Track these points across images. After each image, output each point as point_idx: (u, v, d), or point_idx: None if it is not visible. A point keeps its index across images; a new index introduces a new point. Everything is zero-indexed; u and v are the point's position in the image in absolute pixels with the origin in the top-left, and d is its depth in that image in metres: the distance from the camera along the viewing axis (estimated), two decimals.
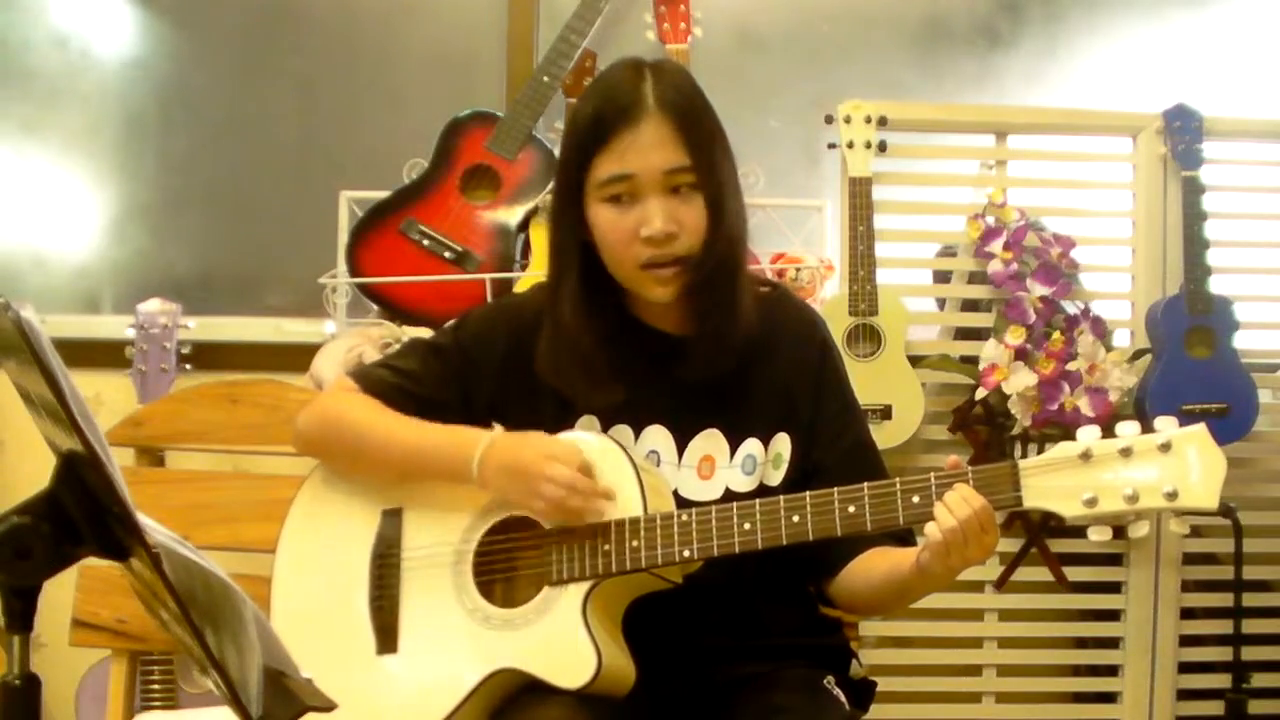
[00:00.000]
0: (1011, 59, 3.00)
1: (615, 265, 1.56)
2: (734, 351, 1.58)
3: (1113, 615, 2.71)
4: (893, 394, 2.55)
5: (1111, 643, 2.72)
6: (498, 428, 1.58)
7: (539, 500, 1.48)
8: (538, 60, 2.72)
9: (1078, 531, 1.40)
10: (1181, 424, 1.37)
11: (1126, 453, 1.36)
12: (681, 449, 1.61)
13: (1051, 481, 1.38)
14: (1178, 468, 1.34)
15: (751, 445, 1.60)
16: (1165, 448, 1.35)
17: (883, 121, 2.62)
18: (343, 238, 2.66)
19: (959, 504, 1.38)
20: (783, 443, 1.61)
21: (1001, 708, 2.70)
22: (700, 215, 1.53)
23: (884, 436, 2.47)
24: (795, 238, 2.69)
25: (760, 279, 1.72)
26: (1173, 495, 1.34)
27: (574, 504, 1.47)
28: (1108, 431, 1.39)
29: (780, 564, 1.54)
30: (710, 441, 1.61)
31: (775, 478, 1.60)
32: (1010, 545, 2.67)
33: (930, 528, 1.39)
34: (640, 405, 1.60)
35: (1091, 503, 1.36)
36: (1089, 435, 1.38)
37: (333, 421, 1.64)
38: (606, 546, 1.48)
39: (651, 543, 1.47)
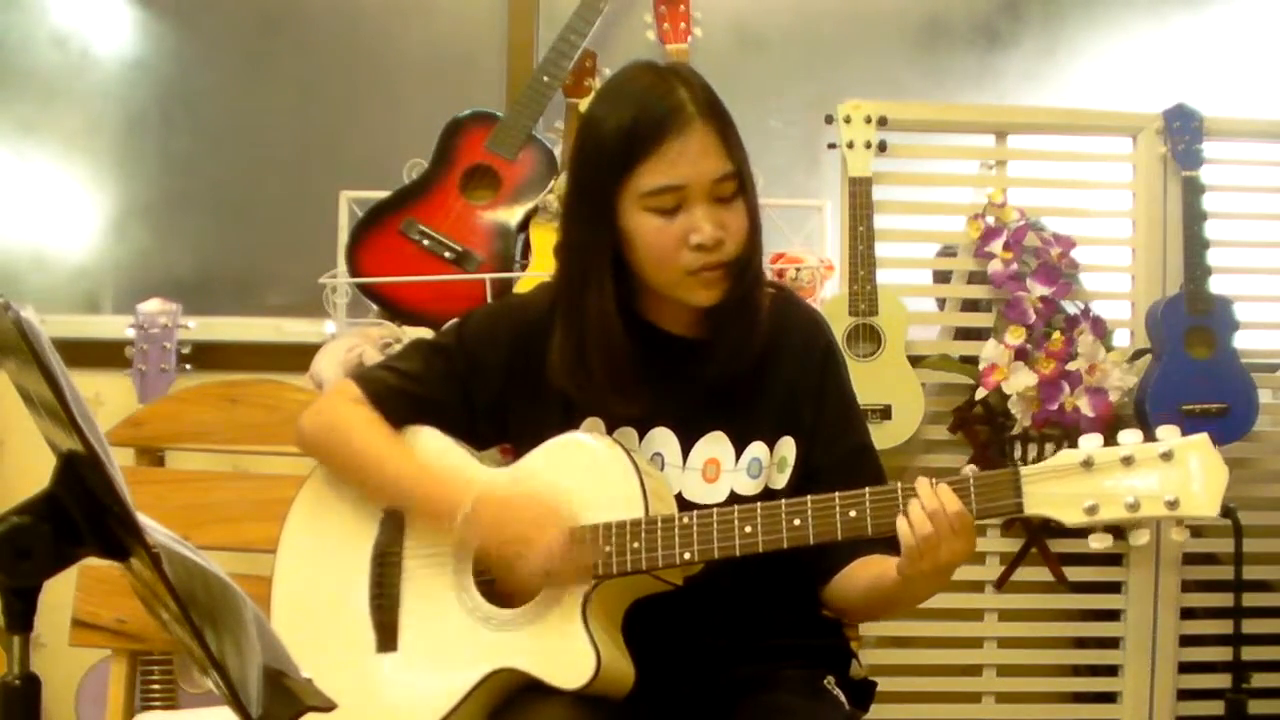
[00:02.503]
0: (1011, 59, 3.00)
1: (658, 271, 1.53)
2: (755, 354, 1.58)
3: (1113, 615, 2.71)
4: (893, 394, 2.55)
5: (1111, 643, 2.72)
6: (497, 476, 1.57)
7: (525, 569, 1.47)
8: (538, 61, 2.72)
9: (1078, 532, 1.40)
10: (1182, 424, 1.37)
11: (1128, 461, 1.36)
12: (686, 452, 1.61)
13: (1053, 488, 1.38)
14: (1179, 476, 1.34)
15: (757, 448, 1.60)
16: (1167, 456, 1.35)
17: (883, 121, 2.62)
18: (343, 238, 2.66)
19: (929, 498, 1.38)
20: (788, 446, 1.61)
21: (1001, 708, 2.70)
22: (743, 220, 1.53)
23: (884, 436, 2.47)
24: (795, 238, 2.69)
25: (765, 280, 1.72)
26: (1174, 504, 1.34)
27: (560, 575, 1.47)
28: (1109, 436, 1.39)
29: (780, 565, 1.53)
30: (715, 445, 1.61)
31: (780, 481, 1.61)
32: (1010, 545, 2.67)
33: (901, 526, 1.39)
34: (646, 407, 1.60)
35: (1092, 510, 1.36)
36: (1091, 443, 1.38)
37: (335, 437, 1.63)
38: (607, 548, 1.48)
39: (652, 545, 1.47)
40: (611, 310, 1.55)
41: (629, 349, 1.56)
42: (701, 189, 1.50)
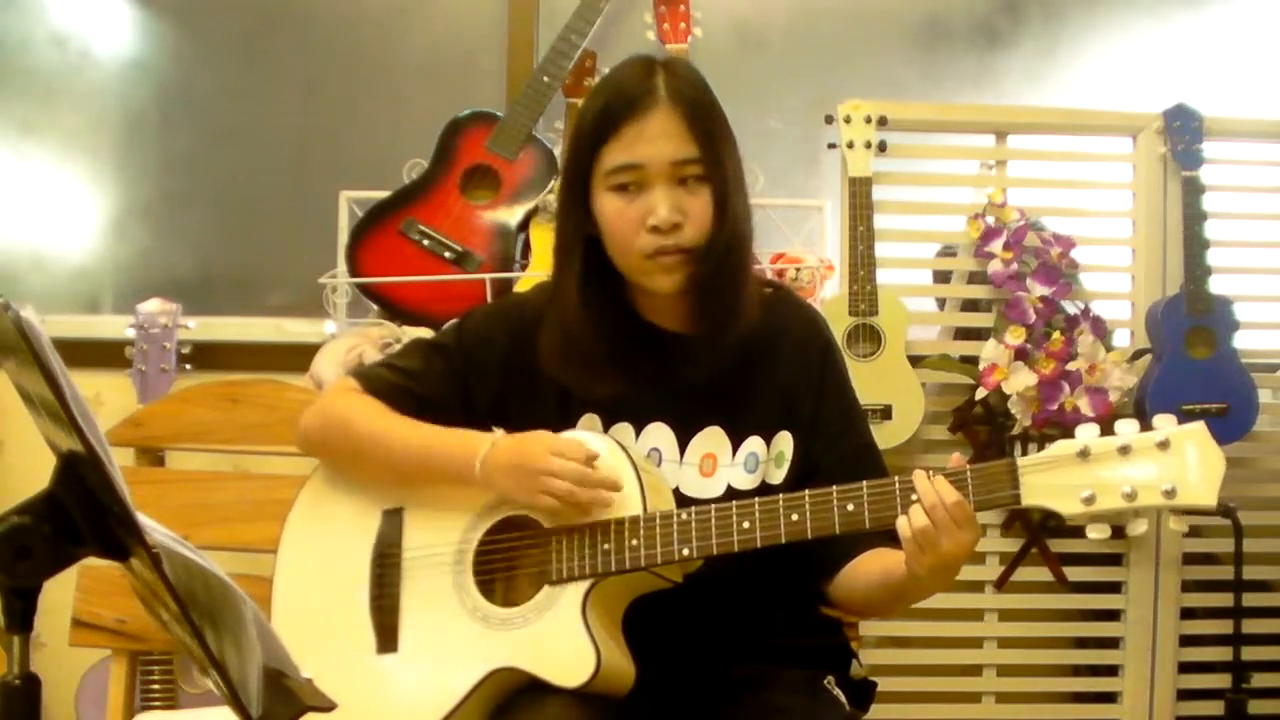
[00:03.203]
0: (1011, 59, 3.00)
1: (621, 255, 1.56)
2: (731, 349, 1.58)
3: (1113, 615, 2.71)
4: (893, 394, 2.55)
5: (1111, 643, 2.72)
6: (499, 431, 1.58)
7: (545, 496, 1.48)
8: (538, 60, 2.72)
9: (1077, 531, 1.40)
10: (1181, 423, 1.36)
11: (1125, 450, 1.36)
12: (683, 447, 1.61)
13: (1050, 479, 1.38)
14: (1176, 465, 1.34)
15: (754, 443, 1.61)
16: (1164, 445, 1.35)
17: (883, 121, 2.62)
18: (343, 238, 2.66)
19: (927, 493, 1.38)
20: (785, 441, 1.62)
21: (1001, 708, 2.70)
22: (706, 207, 1.54)
23: (884, 436, 2.47)
24: (795, 238, 2.69)
25: (763, 280, 1.72)
26: (1171, 493, 1.33)
27: (582, 497, 1.47)
28: (1106, 429, 1.39)
29: (780, 563, 1.54)
30: (712, 439, 1.61)
31: (778, 476, 1.61)
32: (1010, 545, 2.67)
33: (900, 523, 1.39)
34: (642, 403, 1.61)
35: (1090, 500, 1.36)
36: (1087, 433, 1.38)
37: (335, 423, 1.64)
38: (606, 545, 1.48)
39: (651, 541, 1.47)
40: (576, 294, 1.57)
41: (595, 331, 1.57)
42: (660, 170, 1.51)
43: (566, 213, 1.60)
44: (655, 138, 1.51)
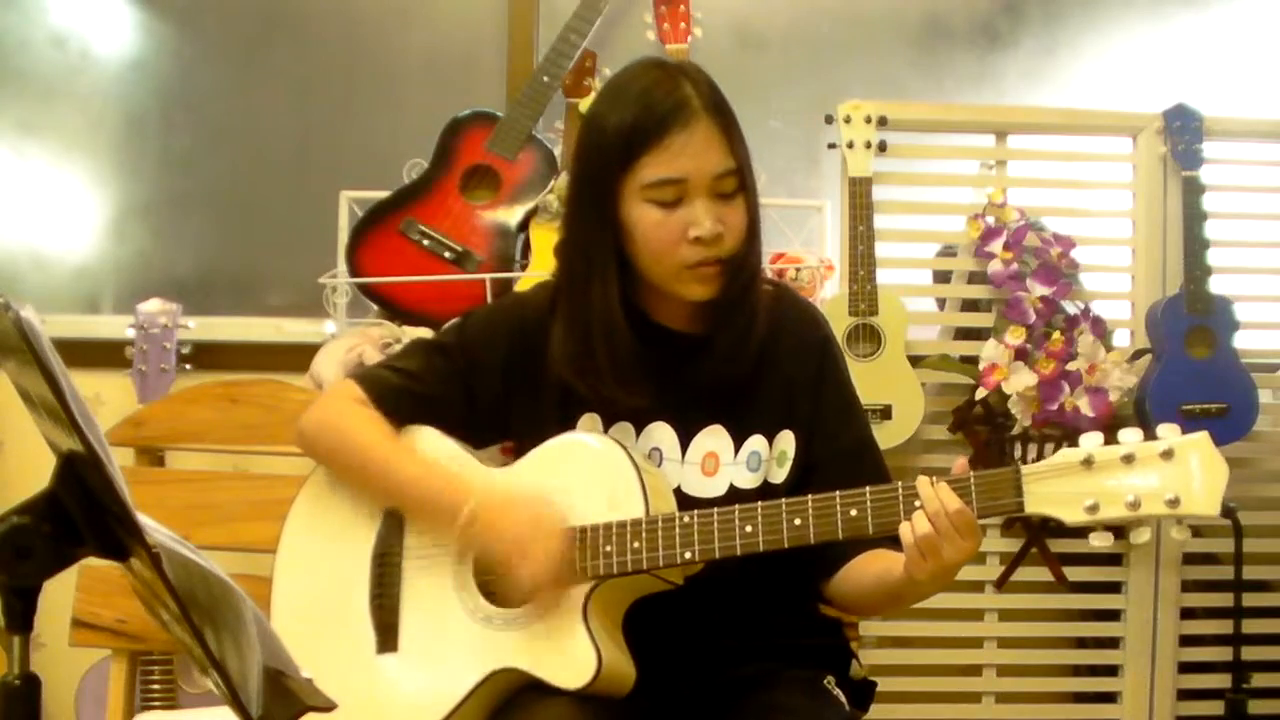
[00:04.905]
0: (1011, 59, 3.00)
1: (656, 264, 1.55)
2: (754, 351, 1.58)
3: (1113, 615, 2.71)
4: (893, 394, 2.55)
5: (1111, 643, 2.72)
6: (496, 478, 1.56)
7: (516, 575, 1.48)
8: (538, 60, 2.72)
9: (1078, 531, 1.40)
10: (1182, 424, 1.37)
11: (1129, 459, 1.36)
12: (685, 446, 1.61)
13: (1054, 488, 1.38)
14: (1180, 475, 1.34)
15: (756, 442, 1.61)
16: (1167, 455, 1.35)
17: (883, 121, 2.62)
18: (343, 238, 2.66)
19: (930, 500, 1.38)
20: (787, 440, 1.62)
21: (1001, 708, 2.70)
22: (742, 217, 1.54)
23: (884, 436, 2.46)
24: (795, 238, 2.69)
25: (763, 278, 1.72)
26: (1174, 502, 1.34)
27: (545, 597, 1.47)
28: (1109, 435, 1.39)
29: (781, 565, 1.54)
30: (714, 438, 1.61)
31: (779, 475, 1.61)
32: (1010, 545, 2.67)
33: (903, 529, 1.39)
34: (649, 402, 1.60)
35: (1093, 509, 1.36)
36: (1091, 442, 1.38)
37: (336, 437, 1.63)
38: (608, 547, 1.48)
39: (653, 544, 1.47)
40: (615, 303, 1.56)
41: (632, 342, 1.56)
42: (703, 184, 1.51)
43: (592, 223, 1.56)
44: (699, 151, 1.50)
